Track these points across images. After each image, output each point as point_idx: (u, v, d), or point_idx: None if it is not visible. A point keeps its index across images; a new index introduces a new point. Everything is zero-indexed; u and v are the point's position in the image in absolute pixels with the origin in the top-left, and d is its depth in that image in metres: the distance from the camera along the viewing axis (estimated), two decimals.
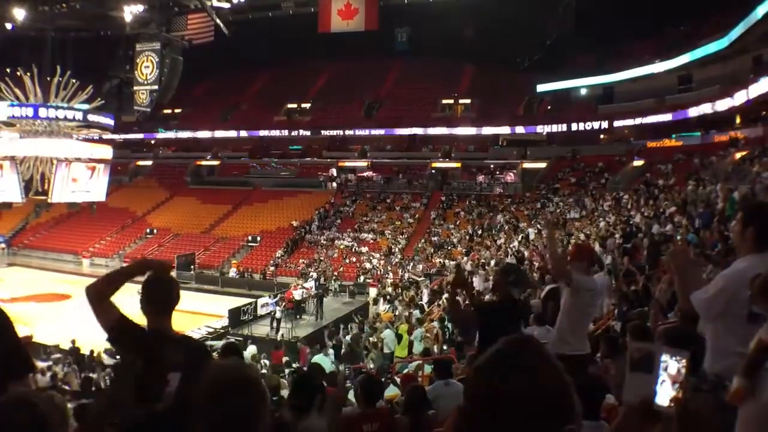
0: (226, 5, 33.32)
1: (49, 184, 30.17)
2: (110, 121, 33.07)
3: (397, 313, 22.49)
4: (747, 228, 3.36)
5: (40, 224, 49.10)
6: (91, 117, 30.90)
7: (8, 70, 33.86)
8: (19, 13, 34.53)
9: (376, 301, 28.02)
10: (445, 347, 15.36)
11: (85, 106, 31.26)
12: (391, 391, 8.68)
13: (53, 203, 33.12)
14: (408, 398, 5.55)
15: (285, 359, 18.02)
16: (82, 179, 30.74)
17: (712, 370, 3.17)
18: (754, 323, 2.99)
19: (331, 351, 17.73)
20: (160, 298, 3.17)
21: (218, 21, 34.46)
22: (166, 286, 3.26)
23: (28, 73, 30.59)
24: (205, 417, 1.80)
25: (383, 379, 9.83)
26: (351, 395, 7.86)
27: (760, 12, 30.25)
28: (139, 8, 34.68)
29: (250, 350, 18.49)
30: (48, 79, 31.31)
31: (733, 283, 3.20)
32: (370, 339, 18.79)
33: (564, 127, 44.92)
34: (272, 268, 36.40)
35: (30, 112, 29.77)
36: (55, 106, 30.17)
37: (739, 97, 33.58)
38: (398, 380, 9.90)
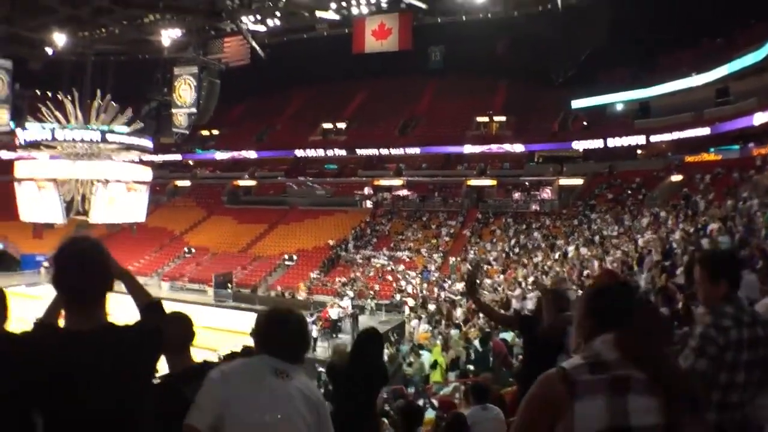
0: (262, 28, 33.71)
1: (89, 206, 30.79)
2: (149, 143, 33.56)
3: (434, 333, 22.37)
4: None
5: None
6: (110, 137, 31.04)
7: (49, 94, 34.73)
8: (60, 39, 35.43)
9: (409, 319, 27.87)
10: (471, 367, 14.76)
11: (114, 128, 31.59)
12: (429, 414, 8.65)
13: (94, 223, 33.72)
14: (448, 425, 5.54)
15: None
16: (122, 200, 31.22)
17: None
18: None
19: None
20: (175, 339, 3.06)
21: (254, 44, 34.94)
22: (177, 324, 3.22)
23: (69, 97, 31.22)
24: None
25: (422, 402, 9.80)
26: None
27: None
28: (177, 32, 35.36)
29: None
30: (88, 102, 32.00)
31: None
32: (407, 359, 18.63)
33: (600, 143, 44.38)
34: (303, 293, 36.06)
35: (48, 135, 30.23)
36: (71, 127, 30.63)
37: None
38: (435, 403, 9.86)
